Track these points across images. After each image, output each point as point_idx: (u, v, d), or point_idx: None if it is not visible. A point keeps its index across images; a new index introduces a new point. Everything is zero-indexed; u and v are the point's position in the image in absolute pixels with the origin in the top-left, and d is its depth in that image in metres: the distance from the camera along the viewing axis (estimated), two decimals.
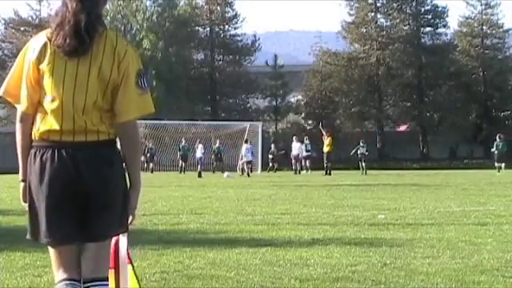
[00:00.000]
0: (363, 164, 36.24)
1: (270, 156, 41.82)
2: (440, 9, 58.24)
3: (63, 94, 3.24)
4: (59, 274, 3.39)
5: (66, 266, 3.37)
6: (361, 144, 37.33)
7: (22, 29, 54.54)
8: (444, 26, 58.78)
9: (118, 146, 3.44)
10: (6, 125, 51.25)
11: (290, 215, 11.77)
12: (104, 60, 3.26)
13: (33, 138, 3.32)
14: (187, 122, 46.57)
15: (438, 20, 58.28)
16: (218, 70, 58.08)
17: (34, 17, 54.65)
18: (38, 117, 3.30)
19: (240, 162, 36.66)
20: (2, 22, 55.51)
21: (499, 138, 36.14)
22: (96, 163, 3.26)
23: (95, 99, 3.26)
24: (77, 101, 3.25)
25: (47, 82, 3.25)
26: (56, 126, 3.26)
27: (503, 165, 34.86)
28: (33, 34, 51.74)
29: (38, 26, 52.76)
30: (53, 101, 3.26)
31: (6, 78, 3.37)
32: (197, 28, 58.14)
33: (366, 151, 37.34)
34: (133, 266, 3.78)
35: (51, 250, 3.40)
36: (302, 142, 39.87)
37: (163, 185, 23.41)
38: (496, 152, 35.93)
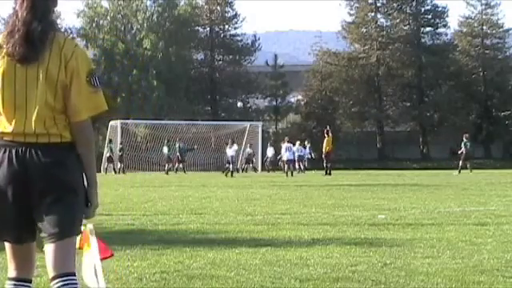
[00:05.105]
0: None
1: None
2: (440, 9, 58.29)
3: (15, 97, 3.28)
4: (10, 272, 3.48)
5: (18, 264, 3.46)
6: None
7: None
8: (444, 26, 58.85)
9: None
10: None
11: (290, 215, 11.76)
12: (50, 62, 3.29)
13: None
14: (187, 121, 46.56)
15: (438, 20, 58.31)
16: (218, 70, 58.10)
17: None
18: None
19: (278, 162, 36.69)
20: (2, 22, 55.47)
21: (465, 138, 36.36)
22: (45, 165, 3.26)
23: (46, 101, 3.28)
24: (28, 104, 3.28)
25: None
26: (8, 129, 3.29)
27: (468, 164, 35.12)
28: None
29: None
30: (5, 104, 3.29)
31: None
32: (197, 28, 58.18)
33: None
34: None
35: (7, 246, 3.46)
36: (294, 144, 39.69)
37: (163, 185, 23.40)
38: (465, 151, 35.91)
